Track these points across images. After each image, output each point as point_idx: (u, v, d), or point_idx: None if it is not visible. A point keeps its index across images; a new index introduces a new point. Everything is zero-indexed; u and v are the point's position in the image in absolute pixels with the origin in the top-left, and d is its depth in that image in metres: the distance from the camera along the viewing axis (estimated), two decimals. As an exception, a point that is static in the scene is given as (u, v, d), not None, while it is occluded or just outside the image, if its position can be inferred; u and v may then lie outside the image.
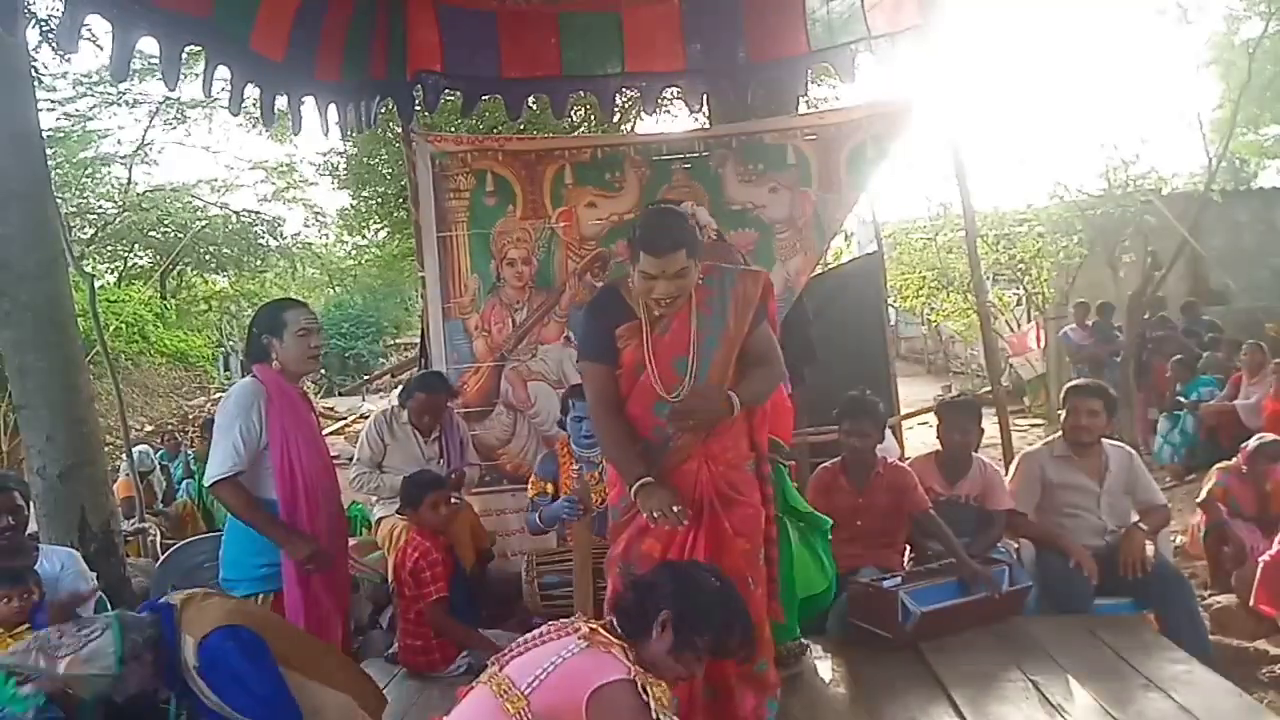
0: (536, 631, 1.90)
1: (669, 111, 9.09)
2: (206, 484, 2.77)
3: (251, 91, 3.25)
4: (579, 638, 1.81)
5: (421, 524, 3.20)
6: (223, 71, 3.06)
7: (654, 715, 1.72)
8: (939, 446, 3.61)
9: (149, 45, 2.64)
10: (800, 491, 3.02)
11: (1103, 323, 9.43)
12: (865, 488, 3.35)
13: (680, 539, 2.27)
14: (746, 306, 2.34)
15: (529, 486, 3.64)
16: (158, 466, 8.03)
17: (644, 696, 1.73)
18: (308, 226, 18.91)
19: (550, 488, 3.57)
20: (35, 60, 5.94)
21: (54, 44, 6.87)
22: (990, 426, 3.81)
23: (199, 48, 2.92)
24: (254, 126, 12.81)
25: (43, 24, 5.99)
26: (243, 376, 2.91)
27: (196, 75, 3.62)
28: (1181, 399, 7.19)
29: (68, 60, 12.03)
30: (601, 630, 1.84)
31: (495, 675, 1.81)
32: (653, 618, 1.84)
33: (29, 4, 5.69)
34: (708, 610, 1.87)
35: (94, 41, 5.96)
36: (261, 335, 2.75)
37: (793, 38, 4.27)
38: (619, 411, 2.37)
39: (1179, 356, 7.73)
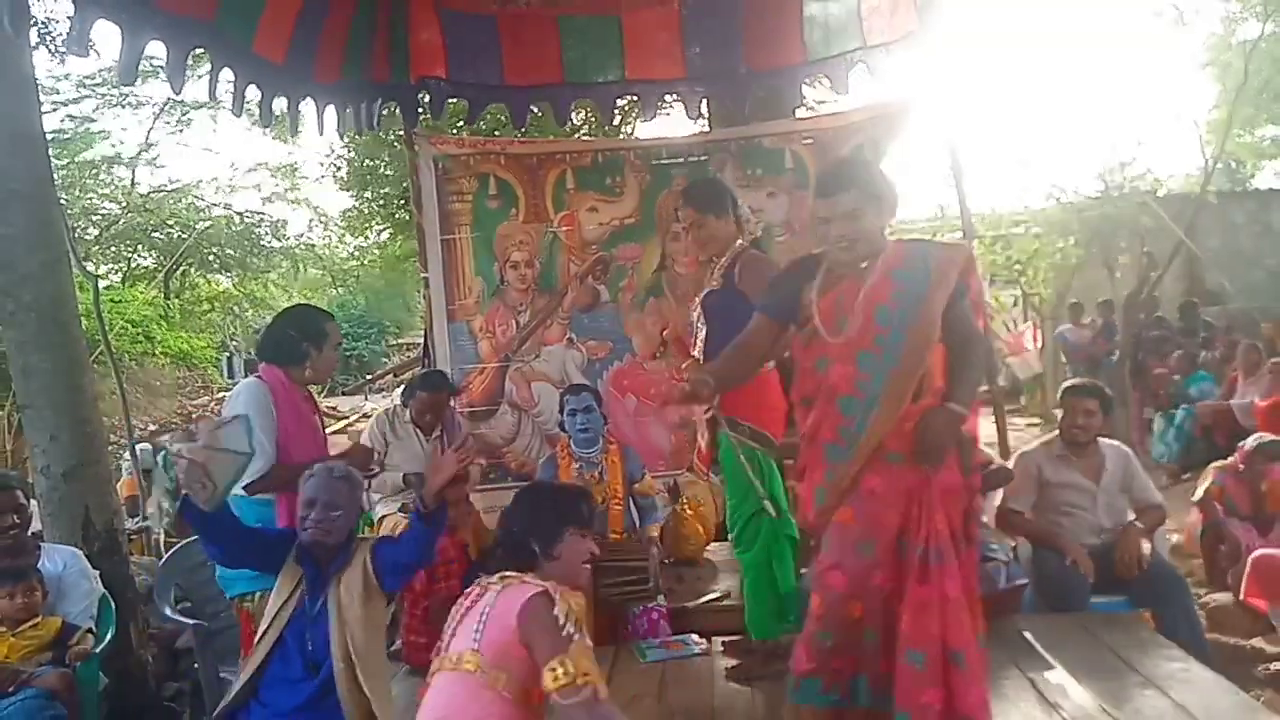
0: (457, 606, 2.05)
1: (668, 113, 9.11)
2: (239, 491, 2.60)
3: (253, 93, 3.28)
4: (495, 587, 1.99)
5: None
6: (226, 74, 3.09)
7: (562, 620, 1.87)
8: None
9: (154, 48, 2.67)
10: (794, 493, 3.05)
11: (1106, 321, 9.46)
12: None
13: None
14: (944, 276, 2.20)
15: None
16: (159, 464, 8.03)
17: (556, 604, 1.90)
18: (312, 229, 18.92)
19: None
20: (36, 62, 5.97)
21: (51, 47, 6.90)
22: (987, 426, 3.83)
23: (204, 51, 2.95)
24: (254, 125, 12.81)
25: (41, 25, 6.01)
26: (246, 376, 2.92)
27: (199, 77, 3.64)
28: (1189, 392, 7.20)
29: (63, 62, 12.06)
30: (509, 574, 2.03)
31: (445, 657, 1.95)
32: (528, 543, 2.08)
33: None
34: (543, 506, 2.15)
35: (93, 45, 5.97)
36: (302, 341, 2.78)
37: (790, 45, 4.30)
38: (741, 353, 2.43)
39: (1180, 351, 7.76)
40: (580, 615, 1.93)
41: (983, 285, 2.42)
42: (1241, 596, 3.84)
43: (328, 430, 3.44)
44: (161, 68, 2.77)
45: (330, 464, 2.60)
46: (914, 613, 2.10)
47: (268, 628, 2.44)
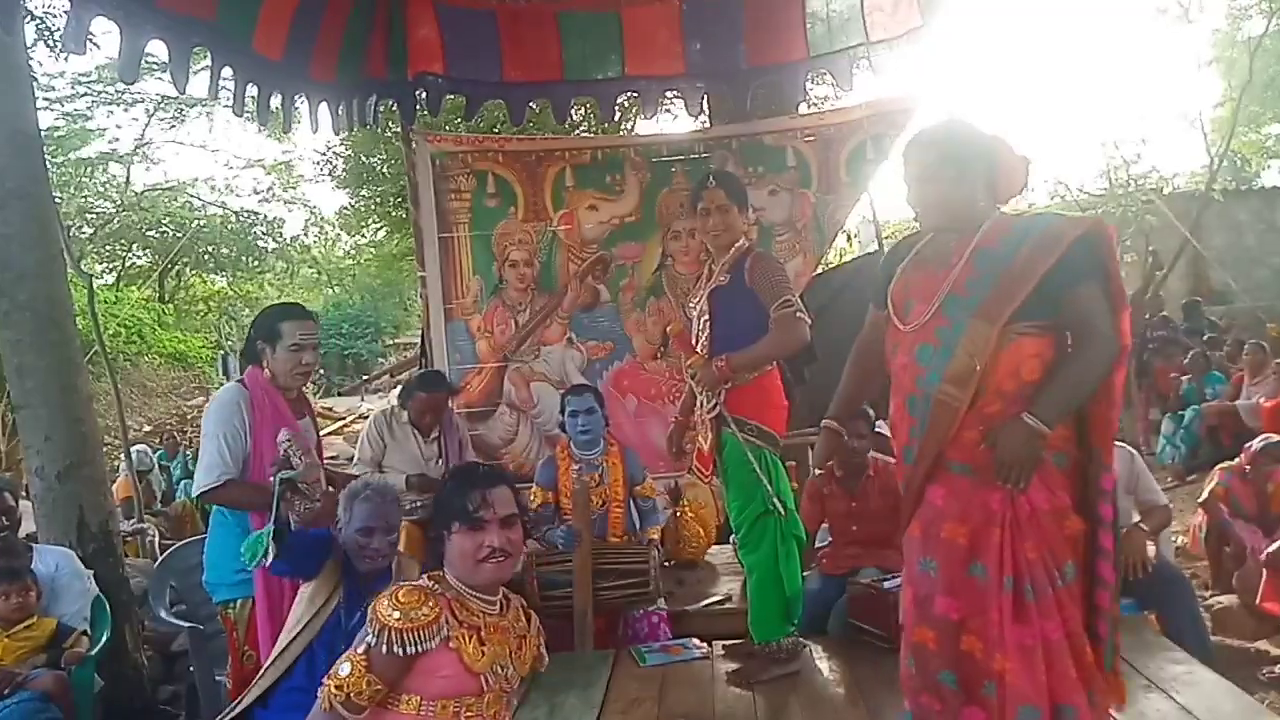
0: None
1: (669, 111, 9.08)
2: (194, 495, 2.74)
3: (251, 91, 3.25)
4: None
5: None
6: (225, 72, 3.07)
7: (368, 630, 1.74)
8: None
9: (151, 46, 2.64)
10: (797, 494, 3.02)
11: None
12: (858, 492, 3.34)
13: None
14: (1044, 253, 1.88)
15: (532, 495, 3.63)
16: (156, 466, 8.03)
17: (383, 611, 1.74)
18: (307, 229, 18.93)
19: (552, 497, 3.57)
20: (31, 58, 5.94)
21: (50, 43, 6.87)
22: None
23: (203, 49, 2.92)
24: (250, 122, 12.81)
25: (39, 21, 5.99)
26: (241, 375, 2.89)
27: (194, 73, 3.61)
28: (1205, 393, 7.14)
29: (64, 59, 12.04)
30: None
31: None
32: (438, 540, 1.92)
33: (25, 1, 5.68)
34: (439, 500, 1.95)
35: (92, 40, 5.95)
36: (257, 340, 2.74)
37: (792, 41, 4.27)
38: (863, 355, 2.26)
39: (1195, 352, 7.71)
40: (426, 624, 1.72)
41: (1118, 268, 2.00)
42: (1258, 601, 3.81)
43: (323, 432, 3.40)
44: (157, 64, 2.75)
45: (378, 485, 2.55)
46: (1018, 659, 1.86)
47: (294, 637, 2.35)
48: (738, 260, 2.88)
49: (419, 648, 1.71)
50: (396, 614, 1.72)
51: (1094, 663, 1.96)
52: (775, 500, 2.78)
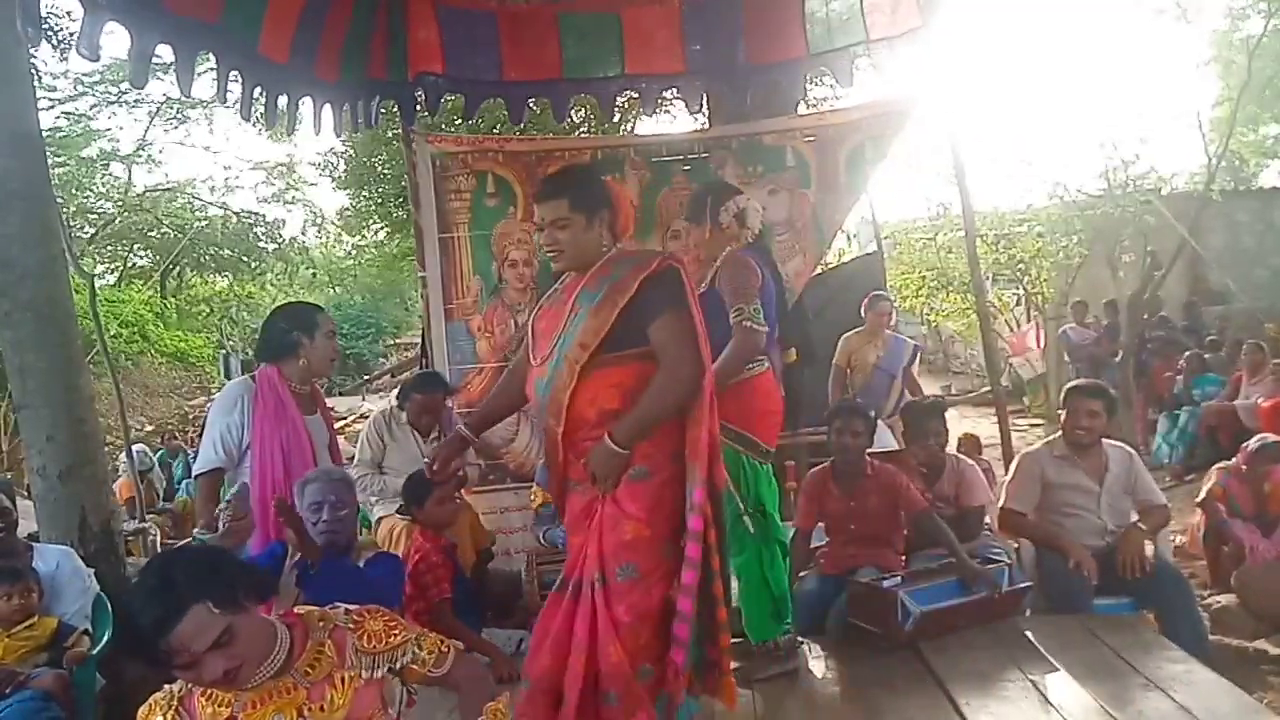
0: None
1: (669, 112, 9.10)
2: (193, 475, 2.91)
3: (256, 93, 3.27)
4: None
5: (428, 521, 3.18)
6: (232, 75, 3.08)
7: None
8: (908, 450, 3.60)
9: (157, 50, 2.67)
10: (796, 494, 3.02)
11: (1111, 321, 9.44)
12: (855, 491, 3.34)
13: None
14: (623, 288, 2.08)
15: (532, 495, 3.64)
16: (156, 465, 8.04)
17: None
18: (305, 231, 18.95)
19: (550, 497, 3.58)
20: (35, 58, 5.96)
21: (54, 43, 6.89)
22: (990, 427, 3.82)
23: (210, 53, 2.94)
24: (253, 125, 12.82)
25: (42, 22, 5.99)
26: (244, 375, 2.93)
27: (198, 77, 3.63)
28: (1194, 394, 7.17)
29: (66, 59, 12.06)
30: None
31: None
32: None
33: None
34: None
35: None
36: (292, 331, 2.78)
37: (792, 40, 4.28)
38: (514, 374, 2.38)
39: (1191, 352, 7.73)
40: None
41: (694, 300, 2.18)
42: None
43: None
44: (161, 66, 2.77)
45: (326, 467, 2.62)
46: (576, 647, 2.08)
47: None
48: (719, 264, 2.85)
49: None
50: None
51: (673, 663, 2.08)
52: (745, 516, 2.76)
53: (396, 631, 1.73)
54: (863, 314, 5.13)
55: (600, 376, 2.10)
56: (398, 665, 1.71)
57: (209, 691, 1.57)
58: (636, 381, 2.10)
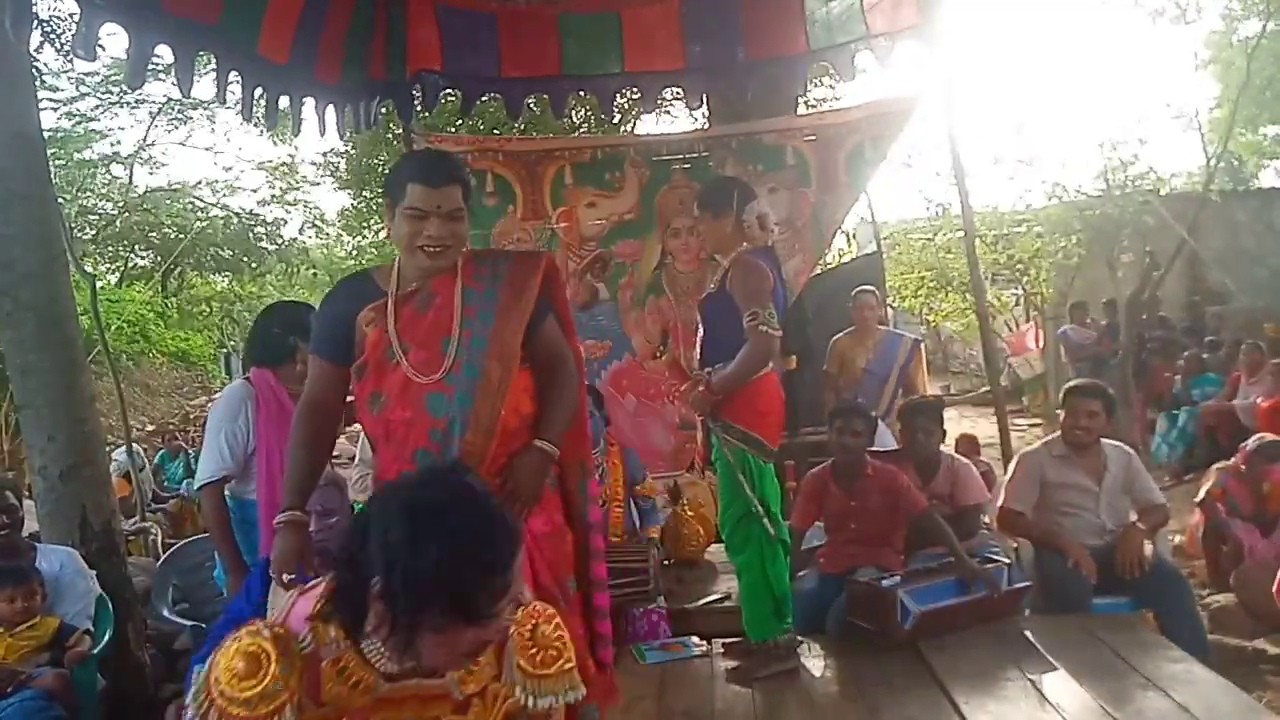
0: None
1: (669, 111, 9.11)
2: (195, 487, 2.81)
3: (256, 95, 3.27)
4: None
5: None
6: (232, 76, 3.08)
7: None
8: (906, 450, 3.61)
9: (156, 51, 2.67)
10: (797, 494, 3.03)
11: (1111, 321, 9.45)
12: (855, 490, 3.34)
13: None
14: (523, 287, 1.94)
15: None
16: (148, 465, 8.02)
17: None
18: (307, 230, 18.94)
19: None
20: (37, 60, 5.96)
21: (56, 45, 6.89)
22: (989, 427, 3.82)
23: (209, 54, 2.94)
24: (254, 127, 12.83)
25: (45, 24, 6.01)
26: (244, 375, 2.91)
27: (197, 77, 3.63)
28: (1192, 394, 7.19)
29: (70, 61, 12.07)
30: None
31: None
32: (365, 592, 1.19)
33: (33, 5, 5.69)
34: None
35: (99, 44, 5.96)
36: (288, 336, 2.73)
37: (792, 37, 4.29)
38: (317, 416, 1.99)
39: (1190, 352, 7.75)
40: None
41: (566, 295, 2.26)
42: (1275, 588, 3.77)
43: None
44: (161, 68, 2.78)
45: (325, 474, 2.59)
46: None
47: None
48: (730, 266, 2.85)
49: None
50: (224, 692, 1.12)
51: (595, 666, 2.02)
52: (756, 505, 2.75)
53: (565, 657, 1.28)
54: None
55: (517, 380, 1.95)
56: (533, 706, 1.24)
57: (341, 660, 1.18)
58: (535, 382, 2.00)
